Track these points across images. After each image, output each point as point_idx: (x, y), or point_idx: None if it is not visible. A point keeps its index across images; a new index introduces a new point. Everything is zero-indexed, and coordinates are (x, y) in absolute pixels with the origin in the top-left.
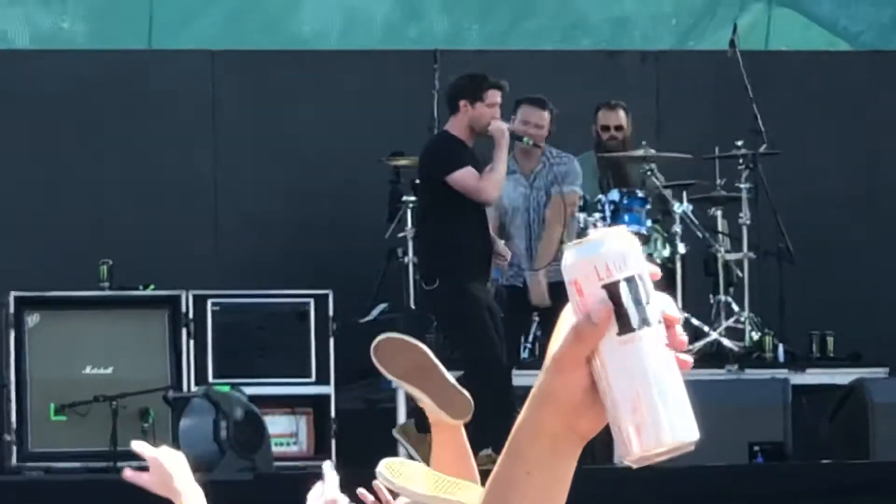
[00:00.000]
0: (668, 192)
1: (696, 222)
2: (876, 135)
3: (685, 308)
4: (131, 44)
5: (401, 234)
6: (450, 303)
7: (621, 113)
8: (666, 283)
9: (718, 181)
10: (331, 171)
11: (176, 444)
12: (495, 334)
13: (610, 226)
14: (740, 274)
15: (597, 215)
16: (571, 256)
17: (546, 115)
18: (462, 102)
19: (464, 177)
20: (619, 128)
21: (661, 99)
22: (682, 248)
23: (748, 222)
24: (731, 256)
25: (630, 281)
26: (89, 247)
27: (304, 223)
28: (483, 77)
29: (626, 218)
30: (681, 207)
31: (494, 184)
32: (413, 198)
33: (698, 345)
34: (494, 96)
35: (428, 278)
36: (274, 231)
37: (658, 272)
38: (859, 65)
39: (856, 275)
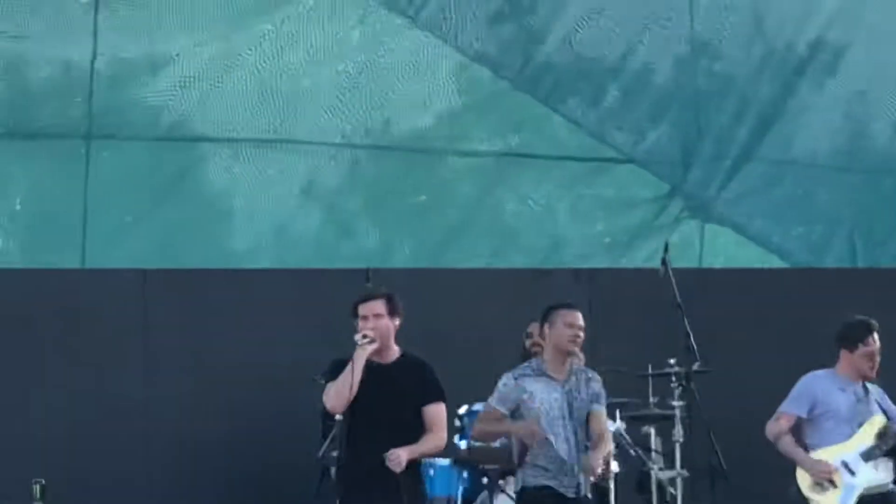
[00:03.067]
0: None
1: (630, 440)
2: (808, 351)
3: None
4: (65, 263)
5: (334, 453)
6: None
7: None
8: (600, 502)
9: (651, 399)
10: (264, 390)
11: None
12: None
13: None
14: (673, 492)
15: None
16: None
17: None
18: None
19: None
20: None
21: (593, 317)
22: (615, 467)
23: (681, 440)
24: (665, 475)
25: None
26: (21, 467)
27: (238, 443)
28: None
29: None
30: (614, 426)
31: (331, 394)
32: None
33: None
34: (363, 309)
35: None
36: (207, 452)
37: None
38: (792, 281)
39: None
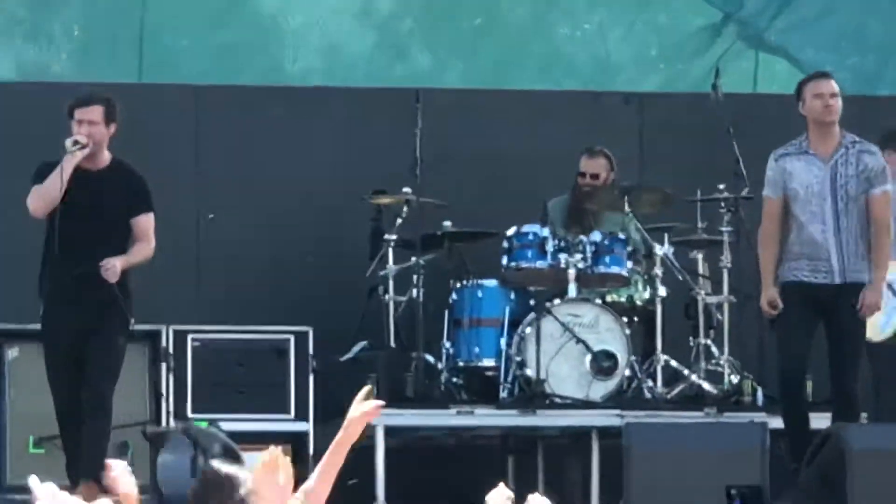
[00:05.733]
0: (649, 235)
1: (677, 265)
2: None
3: (665, 350)
4: (120, 80)
5: (382, 272)
6: None
7: (601, 160)
8: (646, 325)
9: (700, 224)
10: (313, 209)
11: (154, 478)
12: (51, 364)
13: (591, 267)
14: (720, 317)
15: (578, 256)
16: None
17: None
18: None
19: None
20: (594, 176)
21: (644, 141)
22: (662, 291)
23: (729, 266)
24: (712, 300)
25: None
26: None
27: (286, 260)
28: (76, 97)
29: (607, 259)
30: (662, 250)
31: (32, 197)
32: (395, 236)
33: (678, 388)
34: (79, 113)
35: None
36: (255, 267)
37: None
38: (844, 110)
39: None
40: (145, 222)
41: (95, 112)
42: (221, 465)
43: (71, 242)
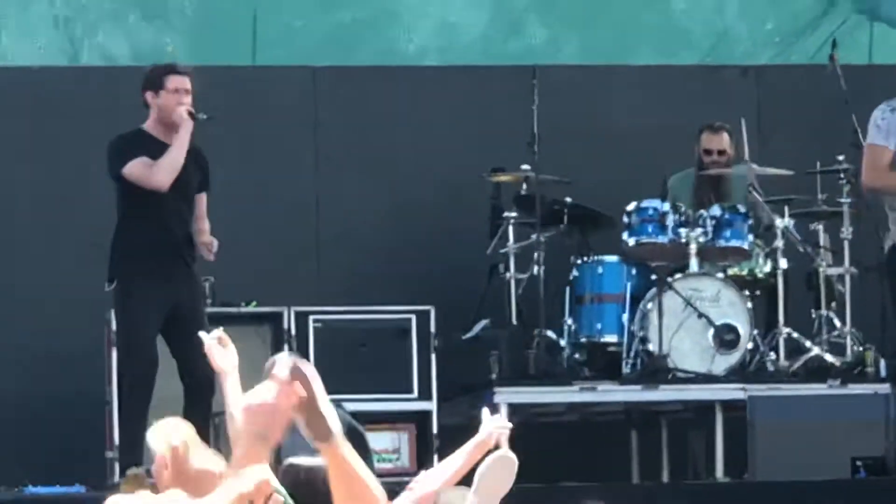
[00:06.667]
0: (769, 208)
1: (798, 237)
2: None
3: (787, 323)
4: (234, 60)
5: (502, 250)
6: (118, 304)
7: (725, 136)
8: (768, 298)
9: (820, 196)
10: (432, 188)
11: (278, 459)
12: (144, 338)
13: (712, 241)
14: (842, 289)
15: (698, 230)
16: None
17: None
18: (148, 95)
19: (133, 167)
20: (721, 152)
21: (762, 113)
22: (783, 264)
23: (850, 237)
24: (833, 271)
25: None
26: None
27: (406, 239)
28: (163, 66)
29: (728, 233)
30: (782, 222)
31: (164, 169)
32: (515, 214)
33: (800, 360)
34: (176, 82)
35: (109, 280)
36: (375, 247)
37: None
38: None
39: None
40: (205, 200)
41: (189, 82)
42: (303, 460)
43: (159, 215)
